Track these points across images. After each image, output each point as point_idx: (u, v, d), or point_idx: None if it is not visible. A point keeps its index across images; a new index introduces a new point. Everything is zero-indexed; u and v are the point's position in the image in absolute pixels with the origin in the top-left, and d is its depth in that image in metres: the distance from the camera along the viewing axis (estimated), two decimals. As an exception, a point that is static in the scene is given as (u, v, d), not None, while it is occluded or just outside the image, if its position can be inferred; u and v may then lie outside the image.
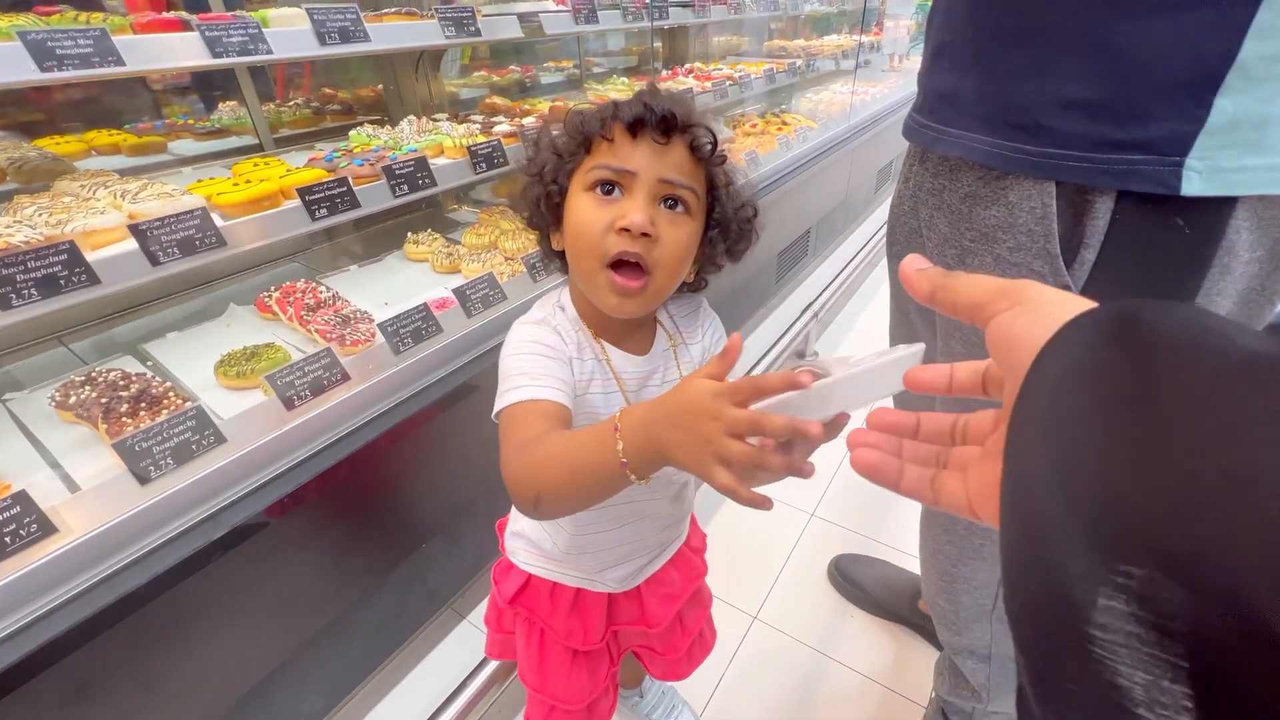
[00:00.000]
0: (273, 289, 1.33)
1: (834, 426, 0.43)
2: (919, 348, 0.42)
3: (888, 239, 0.93)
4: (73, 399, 0.99)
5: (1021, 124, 0.63)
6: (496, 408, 0.63)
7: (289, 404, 1.02)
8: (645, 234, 0.60)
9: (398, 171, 1.23)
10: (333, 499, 1.06)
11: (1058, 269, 0.64)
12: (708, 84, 2.20)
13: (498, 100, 2.06)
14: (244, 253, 1.04)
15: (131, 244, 0.91)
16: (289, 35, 1.11)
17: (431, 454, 1.24)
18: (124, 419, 0.94)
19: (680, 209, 0.63)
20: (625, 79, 2.59)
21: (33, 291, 0.82)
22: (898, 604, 1.43)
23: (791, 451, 0.42)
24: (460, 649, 1.35)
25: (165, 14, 1.03)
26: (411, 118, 1.63)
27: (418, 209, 2.01)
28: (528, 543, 0.86)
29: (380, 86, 1.98)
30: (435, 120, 1.66)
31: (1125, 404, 0.22)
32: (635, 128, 0.60)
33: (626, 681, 1.22)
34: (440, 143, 1.42)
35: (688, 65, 2.63)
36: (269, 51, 1.07)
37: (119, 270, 0.90)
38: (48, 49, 0.85)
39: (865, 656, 1.38)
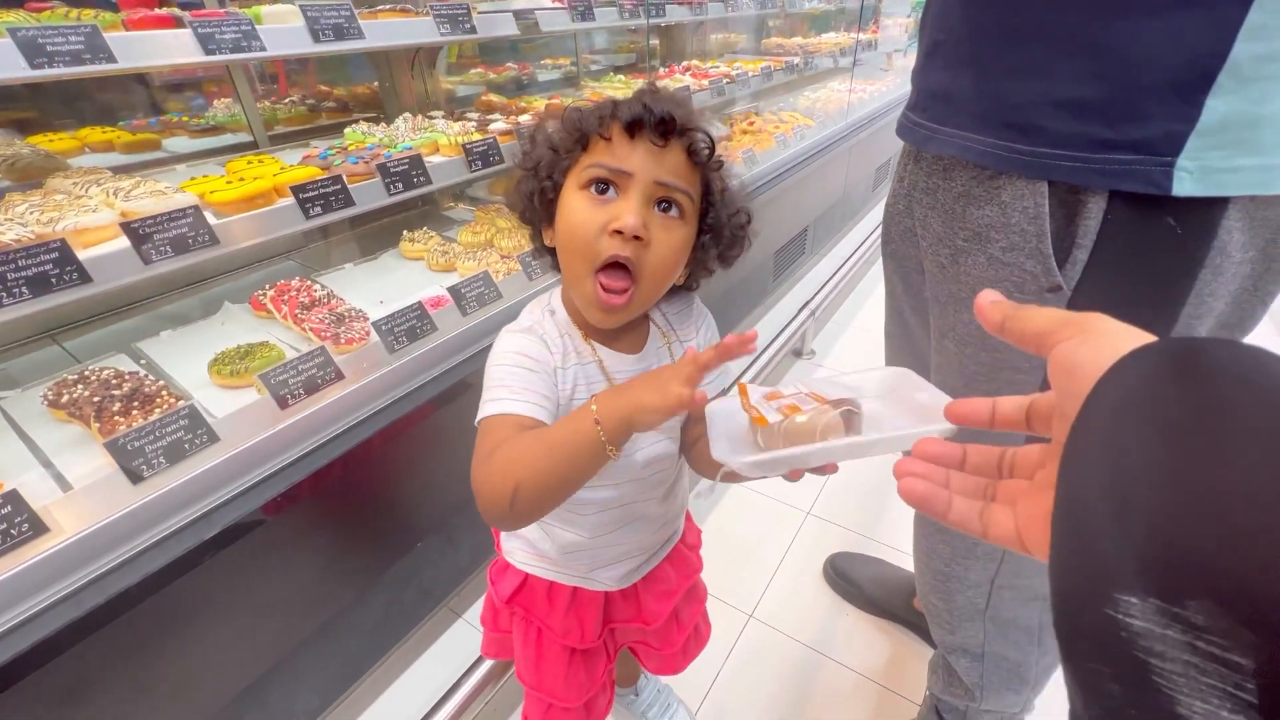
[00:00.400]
0: (267, 287, 1.33)
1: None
2: (949, 428, 0.43)
3: (883, 238, 0.93)
4: (65, 398, 0.99)
5: (1015, 123, 0.63)
6: (477, 417, 0.63)
7: (282, 403, 1.02)
8: (637, 237, 0.59)
9: (392, 169, 1.22)
10: (327, 498, 1.06)
11: (1050, 269, 0.64)
12: (705, 82, 2.20)
13: (494, 98, 2.05)
14: (238, 251, 1.04)
15: (124, 242, 0.91)
16: (282, 32, 1.11)
17: (426, 453, 1.23)
18: (116, 418, 0.94)
19: (674, 212, 0.62)
20: (622, 76, 2.58)
21: (24, 290, 0.81)
22: (893, 602, 1.44)
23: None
24: (456, 648, 1.35)
25: (157, 10, 1.02)
26: (407, 115, 1.62)
27: (413, 207, 2.00)
28: (524, 543, 0.86)
29: (376, 84, 1.98)
30: (431, 118, 1.65)
31: (1182, 434, 0.22)
32: (633, 128, 0.60)
33: (622, 680, 1.22)
34: (435, 140, 1.42)
35: (685, 63, 2.63)
36: (262, 49, 1.06)
37: (111, 269, 0.89)
38: (38, 46, 0.85)
39: (860, 654, 1.39)
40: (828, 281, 2.56)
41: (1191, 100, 0.53)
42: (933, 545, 0.98)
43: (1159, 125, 0.55)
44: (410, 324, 1.19)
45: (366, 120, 1.65)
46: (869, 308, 2.85)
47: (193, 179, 1.15)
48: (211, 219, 1.00)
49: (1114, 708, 0.21)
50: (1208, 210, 0.56)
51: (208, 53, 1.00)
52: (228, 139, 1.72)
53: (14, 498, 0.77)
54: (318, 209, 1.11)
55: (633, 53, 3.08)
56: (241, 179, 1.11)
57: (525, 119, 1.65)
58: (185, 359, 1.18)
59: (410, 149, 1.32)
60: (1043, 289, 0.65)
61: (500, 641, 0.96)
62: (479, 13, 1.42)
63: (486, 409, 0.62)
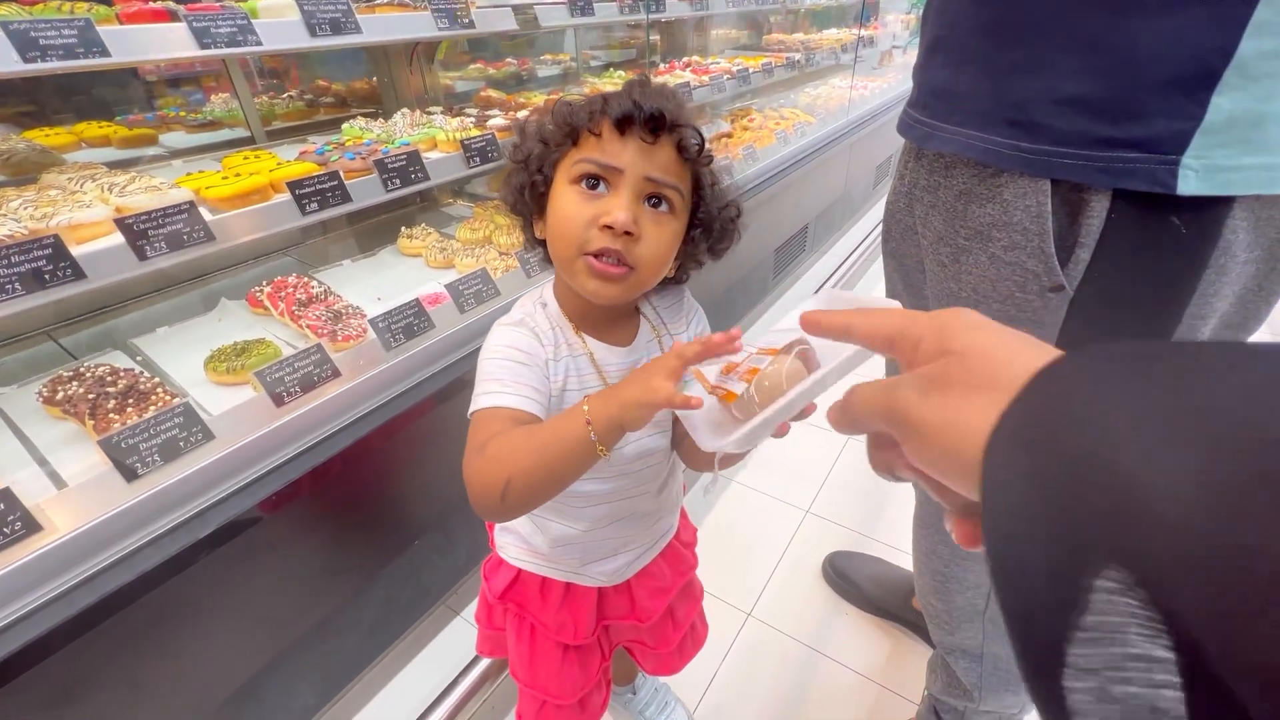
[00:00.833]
0: (264, 283, 1.32)
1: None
2: (848, 354, 0.46)
3: (883, 236, 0.92)
4: (60, 394, 0.99)
5: (1017, 120, 0.62)
6: (470, 409, 0.64)
7: (278, 400, 1.01)
8: (628, 232, 0.59)
9: (390, 165, 1.22)
10: (323, 496, 1.06)
11: (1052, 268, 0.63)
12: (705, 78, 2.19)
13: (493, 93, 2.04)
14: (235, 246, 1.03)
15: (118, 238, 0.90)
16: (278, 26, 1.10)
17: (423, 451, 1.23)
18: (111, 415, 0.93)
19: (664, 207, 0.63)
20: (622, 72, 2.56)
21: (16, 286, 0.81)
22: (892, 601, 1.43)
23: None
24: (453, 646, 1.35)
25: (152, 4, 1.01)
26: (405, 110, 1.61)
27: (412, 203, 1.99)
28: (517, 538, 0.86)
29: (374, 79, 1.97)
30: (429, 113, 1.64)
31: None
32: (623, 124, 0.60)
33: (619, 679, 1.22)
34: (433, 136, 1.41)
35: (685, 59, 2.61)
36: (258, 43, 1.05)
37: (105, 265, 0.88)
38: (31, 39, 0.84)
39: (859, 654, 1.38)
40: (828, 279, 2.56)
41: (1197, 98, 0.52)
42: (932, 545, 0.97)
43: (1164, 123, 0.54)
44: (407, 321, 1.18)
45: (365, 115, 1.65)
46: (869, 306, 2.84)
47: (189, 174, 1.14)
48: (207, 215, 0.99)
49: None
50: (1212, 209, 0.56)
51: (202, 47, 0.99)
52: (225, 134, 1.71)
53: (7, 496, 0.77)
54: (314, 205, 1.11)
55: (633, 48, 3.07)
56: (237, 174, 1.10)
57: (524, 115, 1.64)
58: (181, 355, 1.18)
59: (408, 145, 1.31)
60: (1045, 288, 0.65)
61: (495, 639, 0.96)
62: (477, 8, 1.41)
63: (479, 402, 0.63)
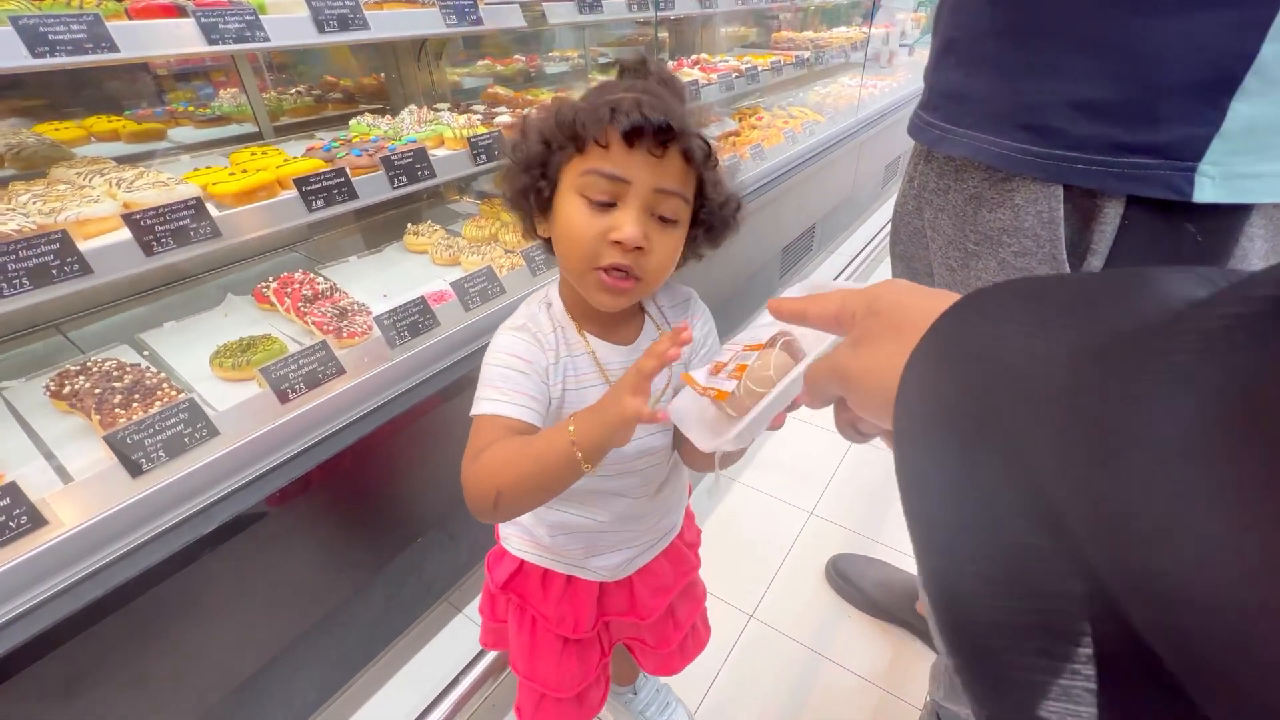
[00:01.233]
0: (270, 279, 1.32)
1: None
2: (831, 339, 0.46)
3: (891, 239, 0.91)
4: (67, 389, 0.99)
5: (1030, 124, 0.61)
6: (471, 410, 0.66)
7: (283, 397, 1.01)
8: (638, 247, 0.60)
9: (396, 162, 1.21)
10: (327, 493, 1.06)
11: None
12: (713, 75, 2.17)
13: (500, 90, 2.04)
14: (242, 242, 1.03)
15: (125, 233, 0.90)
16: (286, 22, 1.10)
17: (427, 448, 1.23)
18: (117, 410, 0.94)
19: (671, 216, 0.63)
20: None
21: (24, 280, 0.81)
22: (895, 605, 1.43)
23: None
24: (456, 642, 1.35)
25: (161, -1, 1.01)
26: (413, 107, 1.61)
27: (419, 200, 1.99)
28: (520, 529, 0.86)
29: (382, 75, 1.96)
30: (436, 110, 1.64)
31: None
32: (632, 137, 0.59)
33: (620, 679, 1.22)
34: (440, 133, 1.41)
35: (694, 56, 2.60)
36: (266, 39, 1.05)
37: (112, 260, 0.89)
38: (40, 34, 0.84)
39: (861, 657, 1.38)
40: (835, 280, 2.54)
41: (1216, 103, 0.51)
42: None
43: (1180, 128, 0.53)
44: (413, 319, 1.18)
45: (372, 112, 1.64)
46: (876, 306, 2.82)
47: (196, 170, 1.14)
48: (214, 211, 0.99)
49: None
50: (1229, 217, 0.55)
51: (210, 43, 0.99)
52: (233, 129, 1.71)
53: (13, 490, 0.77)
54: (320, 202, 1.11)
55: (641, 45, 3.05)
56: (245, 171, 1.10)
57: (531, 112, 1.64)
58: (188, 350, 1.18)
59: (415, 142, 1.31)
60: None
61: (498, 631, 0.96)
62: (485, 4, 1.40)
63: (479, 406, 0.65)
